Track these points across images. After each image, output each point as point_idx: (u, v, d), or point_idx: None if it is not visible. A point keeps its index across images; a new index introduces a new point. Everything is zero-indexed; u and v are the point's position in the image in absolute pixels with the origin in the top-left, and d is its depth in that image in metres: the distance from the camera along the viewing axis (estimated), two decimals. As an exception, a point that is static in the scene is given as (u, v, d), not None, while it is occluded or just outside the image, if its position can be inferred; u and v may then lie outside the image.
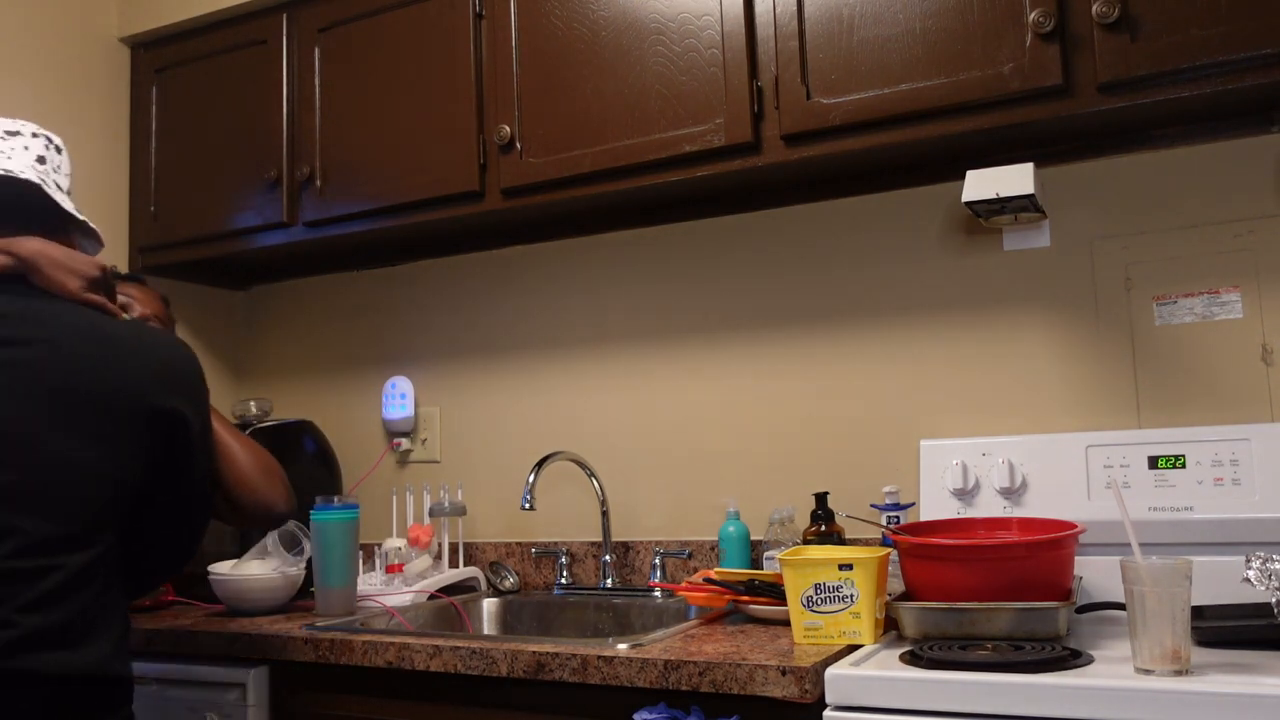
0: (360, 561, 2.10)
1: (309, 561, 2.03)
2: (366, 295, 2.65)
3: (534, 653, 1.54)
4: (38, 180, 1.41)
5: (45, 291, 1.36)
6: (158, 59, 2.53)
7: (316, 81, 2.28)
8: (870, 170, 2.00)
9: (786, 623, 1.61)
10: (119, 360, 1.33)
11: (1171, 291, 1.84)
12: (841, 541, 1.91)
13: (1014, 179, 1.71)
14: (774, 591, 1.69)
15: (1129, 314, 1.87)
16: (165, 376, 1.37)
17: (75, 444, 1.26)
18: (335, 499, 2.04)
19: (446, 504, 2.31)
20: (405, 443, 2.53)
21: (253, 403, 2.41)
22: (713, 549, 2.14)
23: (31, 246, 1.36)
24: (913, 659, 1.39)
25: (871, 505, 1.94)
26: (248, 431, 2.29)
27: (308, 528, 2.02)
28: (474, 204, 2.10)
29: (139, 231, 2.50)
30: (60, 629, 1.21)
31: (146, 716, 1.64)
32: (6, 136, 1.45)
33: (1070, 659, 1.35)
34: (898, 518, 1.89)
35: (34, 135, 1.48)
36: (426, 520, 2.30)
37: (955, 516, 1.82)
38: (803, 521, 1.97)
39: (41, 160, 1.46)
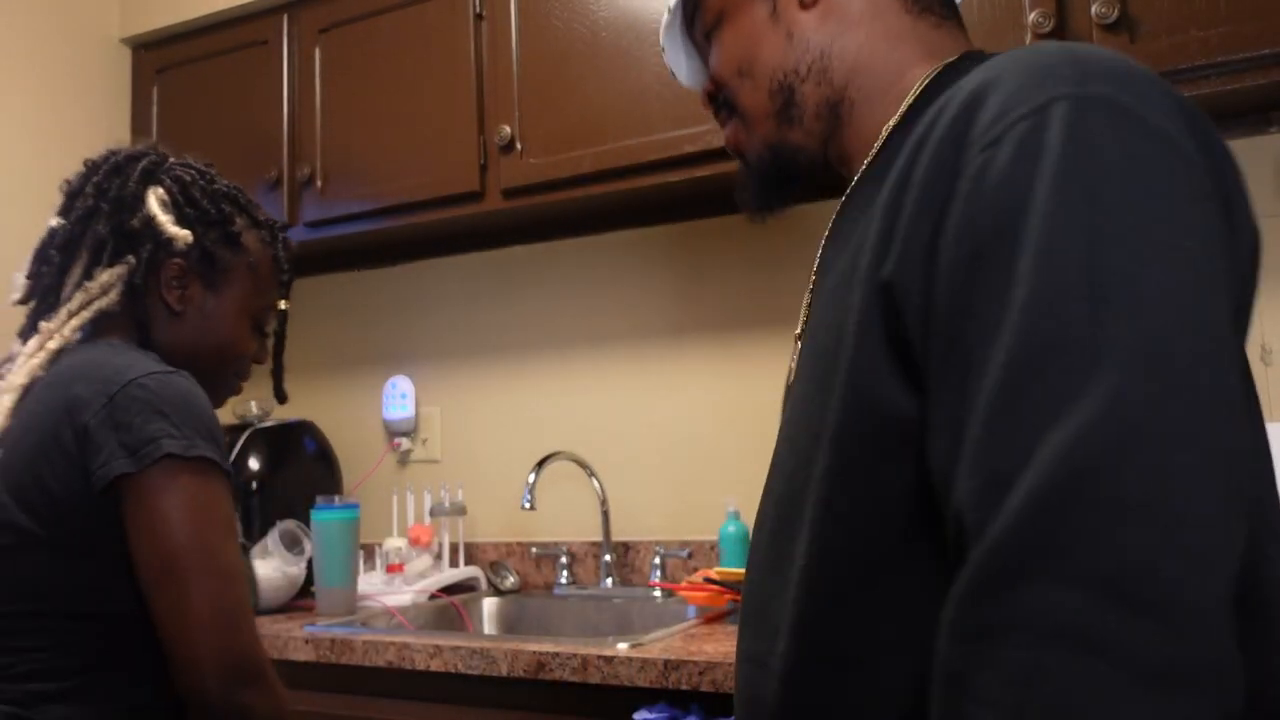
0: (361, 561, 2.11)
1: (309, 561, 2.03)
2: (367, 295, 2.64)
3: (534, 652, 1.54)
4: None
5: None
6: (158, 59, 2.53)
7: (316, 82, 2.28)
8: (870, 170, 2.00)
9: (786, 622, 1.61)
10: None
11: (1171, 291, 1.84)
12: (841, 541, 1.90)
13: (1014, 179, 1.71)
14: (774, 591, 1.69)
15: (1129, 314, 1.86)
16: None
17: None
18: (336, 499, 2.04)
19: (447, 504, 2.31)
20: (405, 443, 2.53)
21: (253, 403, 2.41)
22: (713, 549, 2.13)
23: None
24: (912, 659, 1.39)
25: (871, 505, 1.94)
26: (248, 432, 2.29)
27: (308, 527, 2.02)
28: (474, 204, 2.10)
29: (139, 232, 2.51)
30: None
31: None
32: None
33: (1070, 659, 1.34)
34: (898, 517, 1.89)
35: None
36: (427, 520, 2.30)
37: (955, 516, 1.82)
38: (803, 521, 1.97)
39: None
